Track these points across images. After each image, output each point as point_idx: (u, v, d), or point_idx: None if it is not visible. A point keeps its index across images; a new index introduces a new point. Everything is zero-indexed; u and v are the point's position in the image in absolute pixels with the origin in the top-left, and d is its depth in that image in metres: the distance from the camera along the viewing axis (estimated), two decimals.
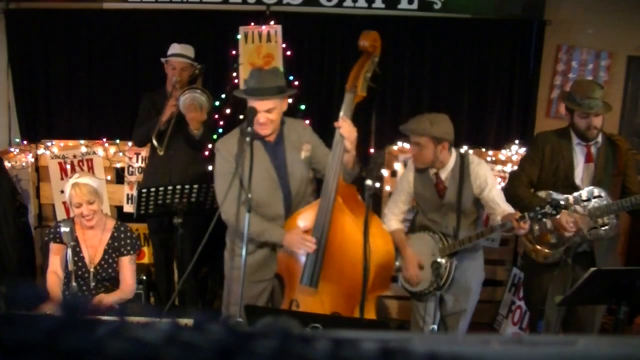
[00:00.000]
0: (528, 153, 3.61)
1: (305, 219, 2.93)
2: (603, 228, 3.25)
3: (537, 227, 3.38)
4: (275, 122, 2.94)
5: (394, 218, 3.41)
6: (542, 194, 3.36)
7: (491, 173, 3.29)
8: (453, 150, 3.26)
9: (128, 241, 3.32)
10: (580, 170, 3.34)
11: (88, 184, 3.17)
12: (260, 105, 2.86)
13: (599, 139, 3.33)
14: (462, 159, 3.25)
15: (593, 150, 3.34)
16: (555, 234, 3.33)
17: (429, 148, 3.18)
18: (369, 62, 2.81)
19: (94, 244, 3.28)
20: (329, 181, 2.81)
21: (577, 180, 3.34)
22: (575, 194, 3.28)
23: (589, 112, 3.23)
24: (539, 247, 3.39)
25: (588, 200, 3.25)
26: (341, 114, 2.77)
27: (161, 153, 3.94)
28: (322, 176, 3.02)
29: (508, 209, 3.11)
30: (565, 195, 3.28)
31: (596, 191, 3.25)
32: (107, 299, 3.20)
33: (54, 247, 3.28)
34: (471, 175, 3.21)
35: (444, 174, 3.26)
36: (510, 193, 3.45)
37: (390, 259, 2.96)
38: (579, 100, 3.26)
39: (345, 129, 2.75)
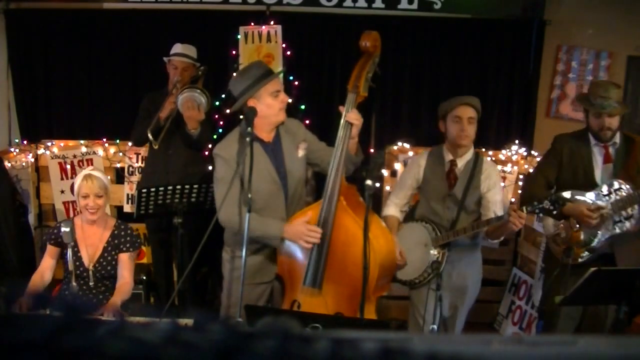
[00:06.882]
0: (545, 155, 3.56)
1: (306, 219, 2.88)
2: (628, 220, 3.19)
3: (551, 223, 3.36)
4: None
5: (393, 205, 3.42)
6: (566, 194, 3.23)
7: (500, 180, 3.33)
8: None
9: (128, 239, 3.35)
10: (599, 171, 3.30)
11: (100, 178, 3.29)
12: (277, 85, 2.90)
13: (617, 139, 3.30)
14: (477, 156, 3.31)
15: (611, 150, 3.30)
16: (585, 231, 3.25)
17: (475, 126, 3.25)
18: (370, 62, 2.80)
19: (93, 242, 3.30)
20: (331, 181, 2.79)
21: (597, 180, 3.29)
22: (596, 190, 3.23)
23: (602, 111, 3.19)
24: (576, 250, 3.29)
25: (609, 194, 3.20)
26: (345, 114, 2.78)
27: (156, 147, 3.89)
28: (321, 170, 3.01)
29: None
30: (588, 193, 3.22)
31: (616, 184, 3.20)
32: (115, 302, 3.15)
33: (49, 248, 3.35)
34: (483, 173, 3.25)
35: (460, 163, 3.28)
36: (526, 193, 3.45)
37: (392, 259, 2.94)
38: (592, 100, 3.25)
39: (352, 118, 2.77)
